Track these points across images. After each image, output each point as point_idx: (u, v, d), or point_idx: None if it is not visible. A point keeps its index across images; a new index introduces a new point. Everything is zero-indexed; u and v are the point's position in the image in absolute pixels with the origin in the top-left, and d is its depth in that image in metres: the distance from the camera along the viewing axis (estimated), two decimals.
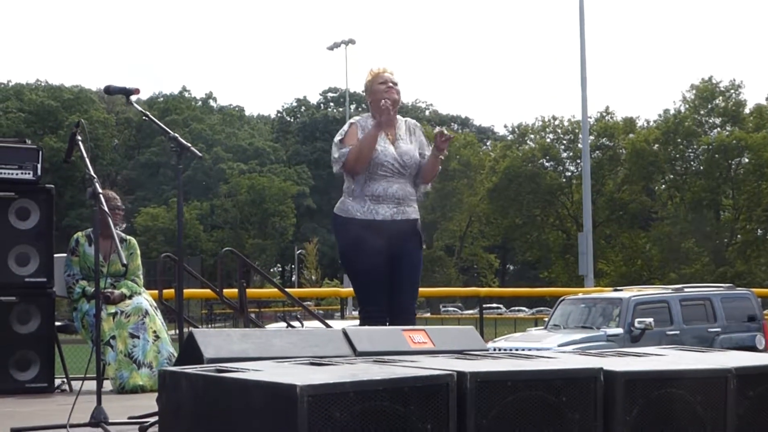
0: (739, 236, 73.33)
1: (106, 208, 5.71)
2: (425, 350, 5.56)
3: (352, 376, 4.02)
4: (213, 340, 5.23)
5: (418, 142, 7.56)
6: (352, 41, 63.16)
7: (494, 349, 11.58)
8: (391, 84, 7.42)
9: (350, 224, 7.31)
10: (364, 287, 7.41)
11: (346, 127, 7.46)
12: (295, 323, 10.06)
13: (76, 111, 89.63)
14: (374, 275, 7.27)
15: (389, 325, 7.08)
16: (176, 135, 5.88)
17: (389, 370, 4.24)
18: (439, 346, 5.67)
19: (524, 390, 4.23)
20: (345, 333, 5.60)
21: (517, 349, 14.11)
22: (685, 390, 4.53)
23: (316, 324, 10.29)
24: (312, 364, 4.50)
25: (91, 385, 6.31)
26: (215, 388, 4.10)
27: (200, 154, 6.15)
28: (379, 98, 7.33)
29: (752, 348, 16.55)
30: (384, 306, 7.33)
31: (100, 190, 5.71)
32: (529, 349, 14.52)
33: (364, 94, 7.63)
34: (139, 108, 6.31)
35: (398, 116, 7.52)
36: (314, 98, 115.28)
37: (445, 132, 7.29)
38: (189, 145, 5.95)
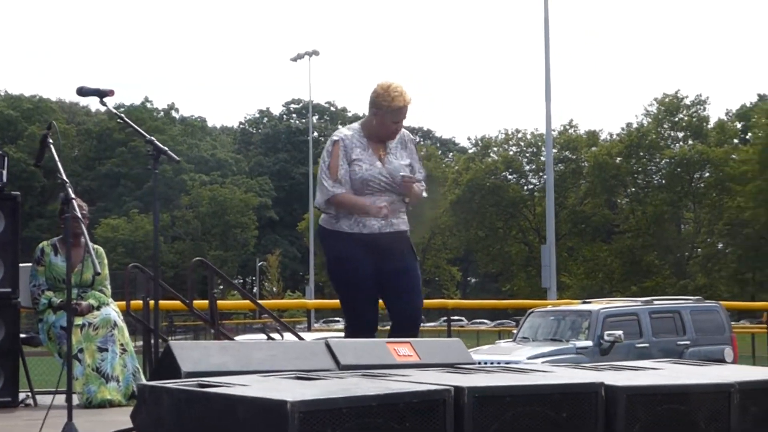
0: (700, 250, 73.74)
1: (78, 215, 5.47)
2: (411, 363, 5.37)
3: (343, 392, 3.83)
4: (191, 353, 5.01)
5: (410, 157, 7.26)
6: (315, 52, 62.90)
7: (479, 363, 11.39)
8: (401, 124, 7.12)
9: (337, 237, 7.06)
10: (351, 301, 7.15)
11: (329, 145, 7.14)
12: (275, 335, 9.81)
13: (35, 121, 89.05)
14: (362, 288, 7.02)
15: (395, 336, 6.80)
16: (153, 138, 5.65)
17: (382, 385, 4.05)
18: (425, 359, 5.48)
19: (524, 405, 4.06)
20: (328, 345, 5.40)
21: (486, 362, 13.94)
22: (687, 405, 4.37)
23: (289, 336, 10.06)
24: (298, 378, 4.30)
25: (59, 399, 6.07)
26: (199, 403, 3.89)
27: (177, 159, 5.93)
28: (384, 133, 7.07)
29: (721, 361, 16.45)
30: (371, 320, 7.09)
31: (72, 196, 5.46)
32: (498, 362, 14.37)
33: (371, 102, 7.13)
34: (114, 110, 6.08)
35: None
36: (277, 109, 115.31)
37: (405, 175, 7.02)
38: (166, 148, 5.72)
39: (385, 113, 7.02)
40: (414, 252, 7.26)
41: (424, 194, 7.29)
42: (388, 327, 7.24)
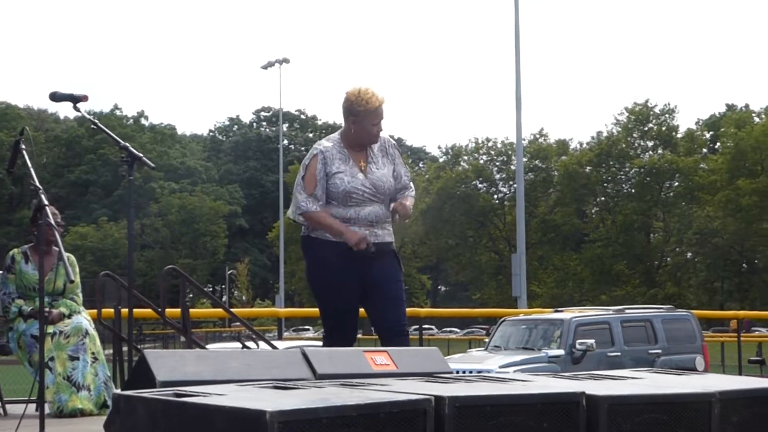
0: (669, 259, 74.05)
1: (52, 222, 5.39)
2: (388, 372, 5.30)
3: (323, 401, 3.77)
4: (166, 361, 4.94)
5: (393, 163, 7.11)
6: (286, 60, 62.76)
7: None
8: (380, 126, 6.96)
9: (320, 245, 6.89)
10: (331, 309, 7.00)
11: (308, 158, 6.95)
12: (250, 344, 9.73)
13: (3, 128, 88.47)
14: (343, 297, 6.88)
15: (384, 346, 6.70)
16: (127, 145, 5.58)
17: (361, 394, 3.99)
18: (402, 368, 5.42)
19: (505, 415, 4.01)
20: (304, 354, 5.33)
21: (458, 371, 13.89)
22: (668, 415, 4.34)
23: (262, 345, 9.99)
24: (276, 387, 4.23)
25: (30, 408, 5.98)
26: (175, 413, 3.81)
27: (152, 165, 5.86)
28: (365, 139, 6.93)
29: (692, 370, 16.47)
30: (351, 329, 6.99)
31: (46, 202, 5.39)
32: (471, 371, 14.33)
33: (345, 110, 6.97)
34: (88, 116, 6.00)
35: None
36: (247, 117, 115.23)
37: (398, 211, 6.91)
38: (140, 155, 5.65)
39: (363, 118, 6.88)
40: (399, 264, 7.12)
41: (412, 199, 7.13)
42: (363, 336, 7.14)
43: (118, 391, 5.78)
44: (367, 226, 6.83)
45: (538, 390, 4.30)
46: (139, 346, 8.88)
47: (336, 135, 7.12)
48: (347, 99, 6.97)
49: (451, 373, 5.41)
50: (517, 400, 4.09)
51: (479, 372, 13.37)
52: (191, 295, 51.57)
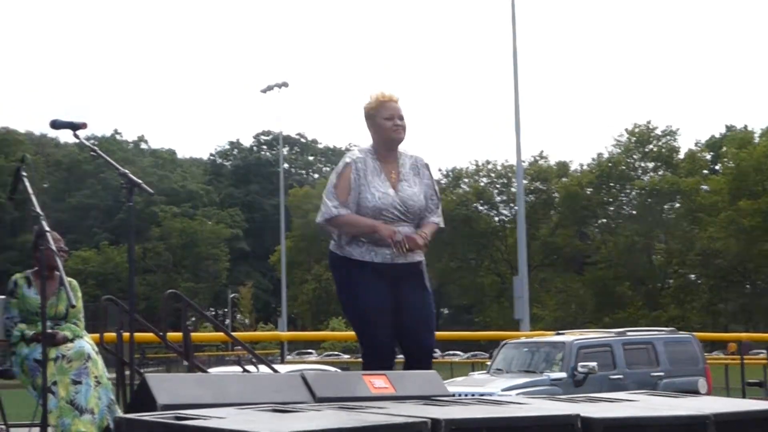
0: (672, 281, 73.94)
1: (53, 247, 5.45)
2: (387, 396, 5.35)
3: (321, 424, 3.82)
4: (166, 385, 5.00)
5: (424, 184, 7.04)
6: (285, 84, 62.89)
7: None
8: (398, 121, 6.92)
9: (348, 264, 6.84)
10: (367, 330, 6.89)
11: (341, 166, 6.92)
12: (251, 368, 9.77)
13: (3, 152, 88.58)
14: (378, 317, 6.77)
15: (408, 369, 6.67)
16: (126, 171, 5.65)
17: (359, 417, 4.04)
18: (400, 392, 5.47)
19: None
20: (303, 378, 5.38)
21: (460, 394, 13.89)
22: None
23: (264, 369, 10.02)
24: (275, 411, 4.28)
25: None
26: None
27: (151, 191, 5.94)
28: (384, 136, 6.91)
29: (695, 393, 16.46)
30: (389, 348, 6.89)
31: (47, 229, 5.45)
32: (473, 394, 14.34)
33: (365, 120, 7.01)
34: (87, 143, 6.10)
35: (402, 151, 7.07)
36: (247, 141, 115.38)
37: (418, 242, 6.79)
38: (140, 181, 5.73)
39: (375, 115, 6.91)
40: (428, 284, 7.05)
41: (441, 224, 7.12)
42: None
43: (121, 414, 5.83)
44: (395, 240, 6.77)
45: (534, 412, 4.36)
46: (142, 370, 8.91)
47: (368, 146, 7.07)
48: (363, 109, 7.02)
49: (449, 396, 5.45)
50: (513, 423, 4.14)
51: (481, 395, 13.38)
52: (193, 319, 51.62)
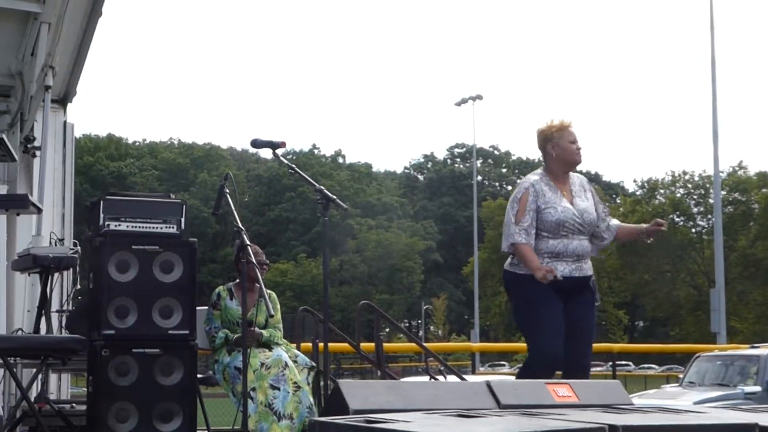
0: None
1: (254, 260, 5.79)
2: (570, 404, 5.51)
3: (502, 429, 4.00)
4: (358, 391, 5.27)
5: (593, 200, 7.63)
6: (479, 97, 63.12)
7: None
8: (579, 145, 7.50)
9: (524, 281, 7.28)
10: (540, 340, 7.22)
11: (520, 191, 7.46)
12: (439, 377, 10.00)
13: (206, 168, 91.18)
14: (552, 328, 7.17)
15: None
16: (322, 188, 5.98)
17: (538, 422, 4.22)
18: (583, 400, 5.62)
19: None
20: (489, 386, 5.58)
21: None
22: None
23: (453, 378, 10.24)
24: (460, 416, 4.49)
25: None
26: None
27: (345, 206, 6.24)
28: (568, 158, 7.46)
29: None
30: (560, 357, 7.18)
31: (247, 242, 5.80)
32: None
33: (540, 143, 7.60)
34: (285, 161, 6.44)
35: (570, 172, 7.61)
36: (441, 154, 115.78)
37: (664, 226, 7.53)
38: (334, 197, 6.03)
39: (560, 138, 7.44)
40: (596, 297, 7.52)
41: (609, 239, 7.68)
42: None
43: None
44: (574, 260, 7.23)
45: (711, 421, 4.45)
46: (337, 380, 9.22)
47: (540, 170, 7.62)
48: (540, 132, 7.58)
49: (631, 405, 5.56)
50: (690, 431, 4.24)
51: None
52: (387, 330, 52.20)
